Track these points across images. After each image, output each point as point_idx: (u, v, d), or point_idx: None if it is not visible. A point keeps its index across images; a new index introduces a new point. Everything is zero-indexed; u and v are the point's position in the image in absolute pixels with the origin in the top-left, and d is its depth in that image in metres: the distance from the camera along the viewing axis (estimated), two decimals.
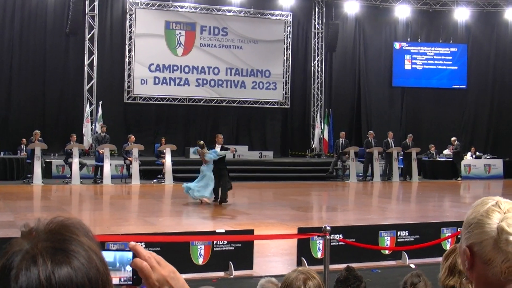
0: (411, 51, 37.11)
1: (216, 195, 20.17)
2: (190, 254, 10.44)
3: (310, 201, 23.74)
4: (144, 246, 8.33)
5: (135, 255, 1.74)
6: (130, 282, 1.74)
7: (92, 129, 29.99)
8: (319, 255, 11.03)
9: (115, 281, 1.71)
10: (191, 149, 20.56)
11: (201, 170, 20.33)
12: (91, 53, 31.09)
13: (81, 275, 1.39)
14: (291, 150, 34.72)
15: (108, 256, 1.70)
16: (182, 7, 32.76)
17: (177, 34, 32.76)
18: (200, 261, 10.56)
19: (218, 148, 20.25)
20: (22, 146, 27.48)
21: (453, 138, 32.22)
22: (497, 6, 36.97)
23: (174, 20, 32.75)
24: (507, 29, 37.70)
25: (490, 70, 37.53)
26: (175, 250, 9.84)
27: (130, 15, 31.87)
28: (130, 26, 31.87)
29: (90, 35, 31.03)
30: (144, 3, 32.00)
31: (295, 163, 32.02)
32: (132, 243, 1.75)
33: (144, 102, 32.05)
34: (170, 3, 32.48)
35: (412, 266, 11.21)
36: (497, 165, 33.08)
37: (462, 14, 36.89)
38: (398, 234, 12.11)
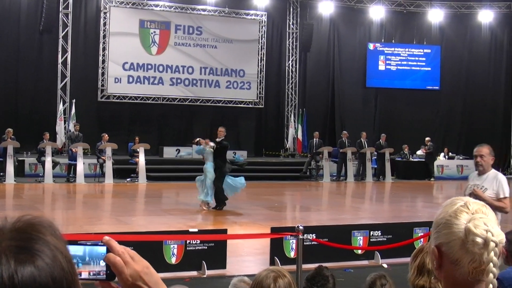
0: (385, 52, 37.24)
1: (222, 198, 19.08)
2: (163, 253, 10.44)
3: (283, 201, 23.77)
4: None
5: (109, 250, 1.74)
6: (104, 277, 1.74)
7: (65, 127, 29.77)
8: (292, 254, 11.05)
9: (84, 275, 1.71)
10: (195, 148, 19.65)
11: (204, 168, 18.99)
12: (64, 51, 30.90)
13: (44, 275, 1.38)
14: (265, 150, 34.69)
15: (77, 250, 1.70)
16: (156, 5, 32.66)
17: (152, 33, 32.64)
18: (173, 260, 10.56)
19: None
20: None
21: (427, 138, 32.41)
22: (470, 8, 37.19)
23: (149, 19, 32.63)
24: (480, 31, 37.95)
25: (463, 72, 37.77)
26: (148, 249, 9.80)
27: (105, 13, 31.69)
28: (104, 24, 31.70)
29: (64, 33, 30.83)
30: (118, 1, 31.83)
31: (269, 162, 32.00)
32: (106, 237, 1.74)
33: (118, 100, 31.89)
34: (144, 1, 32.36)
35: (385, 266, 11.28)
36: (470, 165, 33.18)
37: (436, 16, 37.08)
38: (371, 234, 12.19)
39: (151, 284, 1.76)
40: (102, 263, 1.73)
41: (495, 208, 7.99)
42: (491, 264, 2.05)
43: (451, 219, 2.14)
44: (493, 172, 8.82)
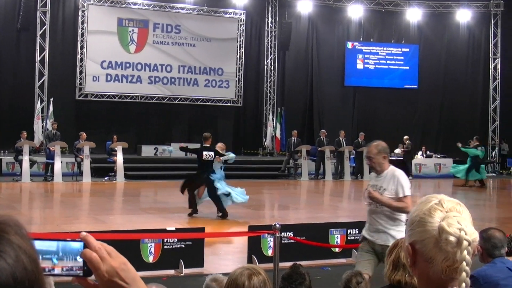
0: (364, 50, 37.31)
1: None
2: (140, 252, 10.41)
3: (262, 199, 23.73)
4: None
5: (86, 245, 1.73)
6: (81, 273, 1.73)
7: (43, 126, 29.62)
8: (269, 253, 11.03)
9: (57, 270, 1.69)
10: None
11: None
12: (42, 49, 30.72)
13: (5, 275, 1.37)
14: (243, 148, 34.62)
15: (50, 245, 1.69)
16: (135, 4, 32.55)
17: (130, 31, 32.54)
18: (151, 259, 10.54)
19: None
20: None
21: (405, 137, 32.47)
22: (448, 8, 37.38)
23: (127, 17, 32.51)
24: (458, 30, 38.15)
25: (441, 71, 37.95)
26: (126, 248, 9.71)
27: (83, 11, 31.55)
28: (82, 22, 31.54)
29: (41, 31, 30.66)
30: (96, 0, 31.72)
31: (247, 161, 31.92)
32: (83, 233, 1.72)
33: (96, 99, 31.74)
34: (123, 0, 32.27)
35: None
36: (447, 164, 33.39)
37: (414, 15, 37.19)
38: (349, 232, 12.18)
39: (128, 280, 1.74)
40: (79, 259, 1.71)
41: (395, 209, 7.58)
42: (464, 263, 2.05)
43: (425, 217, 2.15)
44: (390, 170, 7.97)
